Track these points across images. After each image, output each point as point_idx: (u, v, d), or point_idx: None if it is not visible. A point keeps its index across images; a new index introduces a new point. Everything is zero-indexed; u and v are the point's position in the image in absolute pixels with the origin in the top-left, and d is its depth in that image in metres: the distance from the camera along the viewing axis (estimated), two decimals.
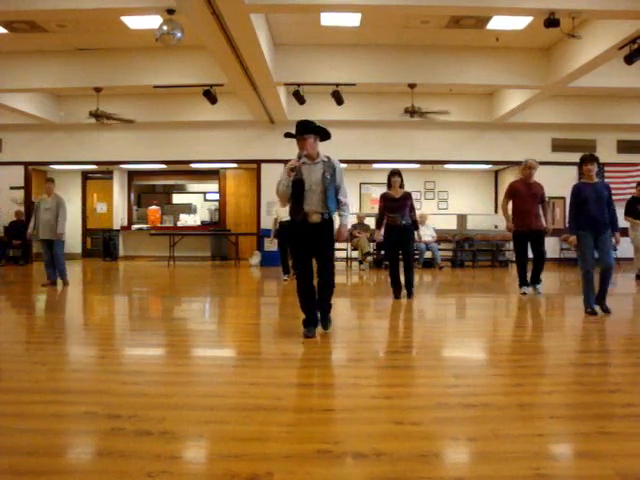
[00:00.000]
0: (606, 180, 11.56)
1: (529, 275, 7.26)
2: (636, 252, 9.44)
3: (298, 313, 4.73)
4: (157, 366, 3.86)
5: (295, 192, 4.36)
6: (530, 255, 7.26)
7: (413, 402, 2.94)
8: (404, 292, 6.81)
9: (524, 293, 7.18)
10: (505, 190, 7.51)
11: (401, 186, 6.80)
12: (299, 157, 4.36)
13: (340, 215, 4.57)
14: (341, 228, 4.57)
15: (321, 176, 4.34)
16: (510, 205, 7.30)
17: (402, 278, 6.86)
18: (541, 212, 7.23)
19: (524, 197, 7.14)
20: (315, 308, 4.55)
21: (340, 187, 4.47)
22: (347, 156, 12.47)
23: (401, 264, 6.89)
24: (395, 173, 6.80)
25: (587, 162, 5.57)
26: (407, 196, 6.80)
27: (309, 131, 4.35)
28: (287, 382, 3.37)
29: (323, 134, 4.44)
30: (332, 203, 4.41)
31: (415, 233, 6.98)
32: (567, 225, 5.70)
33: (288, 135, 4.50)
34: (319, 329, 4.59)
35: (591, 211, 5.42)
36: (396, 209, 6.70)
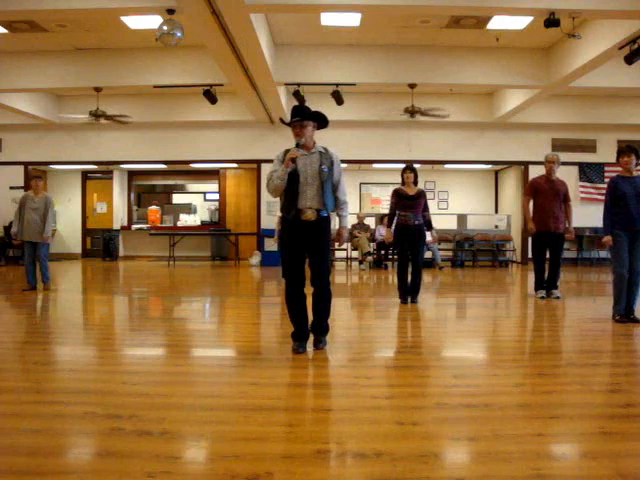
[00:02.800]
0: (606, 180, 11.52)
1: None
2: None
3: None
4: (157, 366, 3.86)
5: (288, 186, 3.88)
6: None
7: (413, 402, 2.94)
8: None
9: (542, 297, 6.74)
10: (526, 187, 7.07)
11: (415, 182, 6.43)
12: (297, 145, 3.89)
13: (339, 215, 4.14)
14: (341, 230, 4.16)
15: (318, 168, 3.89)
16: (531, 204, 6.82)
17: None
18: (565, 212, 6.72)
19: (546, 195, 6.65)
20: (308, 321, 4.05)
21: (339, 183, 4.02)
22: (347, 156, 12.45)
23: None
24: (409, 168, 6.43)
25: (624, 154, 5.12)
26: (422, 194, 6.45)
27: (308, 117, 3.92)
28: (287, 382, 3.37)
29: (321, 121, 4.01)
30: (329, 199, 3.94)
31: (428, 233, 6.62)
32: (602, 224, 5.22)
33: (283, 122, 4.14)
34: (310, 347, 4.03)
35: (629, 208, 4.98)
36: (409, 207, 6.31)
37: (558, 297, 6.71)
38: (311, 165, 3.91)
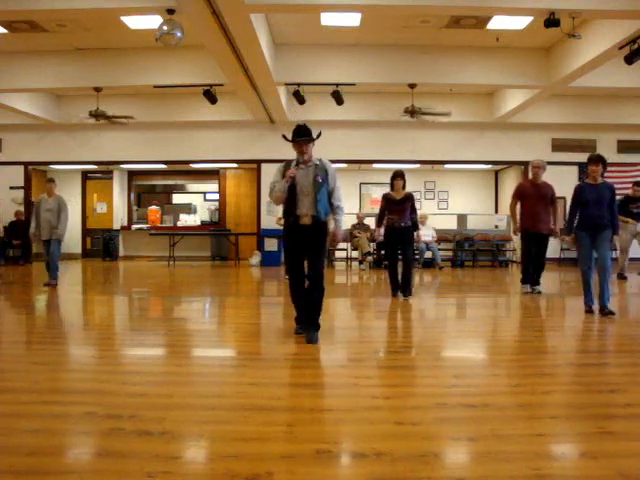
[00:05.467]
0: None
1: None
2: (621, 253, 9.39)
3: None
4: (157, 366, 3.86)
5: (288, 195, 4.38)
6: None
7: (413, 402, 2.94)
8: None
9: (526, 292, 7.23)
10: (513, 191, 7.48)
11: (403, 187, 6.84)
12: (297, 162, 4.36)
13: (334, 219, 4.58)
14: (336, 231, 4.59)
15: (312, 179, 4.36)
16: (519, 206, 7.27)
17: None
18: (551, 213, 7.19)
19: (532, 198, 7.11)
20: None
21: (334, 190, 4.46)
22: (347, 156, 12.47)
23: (400, 263, 6.92)
24: (398, 175, 6.81)
25: (591, 163, 5.56)
26: (408, 198, 6.83)
27: (309, 136, 4.38)
28: (287, 382, 3.37)
29: (316, 138, 4.52)
30: (323, 206, 4.37)
31: (415, 234, 7.06)
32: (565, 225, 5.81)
33: (285, 138, 4.51)
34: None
35: (590, 212, 5.47)
36: (396, 211, 6.76)
37: (540, 292, 7.21)
38: (307, 177, 4.37)
